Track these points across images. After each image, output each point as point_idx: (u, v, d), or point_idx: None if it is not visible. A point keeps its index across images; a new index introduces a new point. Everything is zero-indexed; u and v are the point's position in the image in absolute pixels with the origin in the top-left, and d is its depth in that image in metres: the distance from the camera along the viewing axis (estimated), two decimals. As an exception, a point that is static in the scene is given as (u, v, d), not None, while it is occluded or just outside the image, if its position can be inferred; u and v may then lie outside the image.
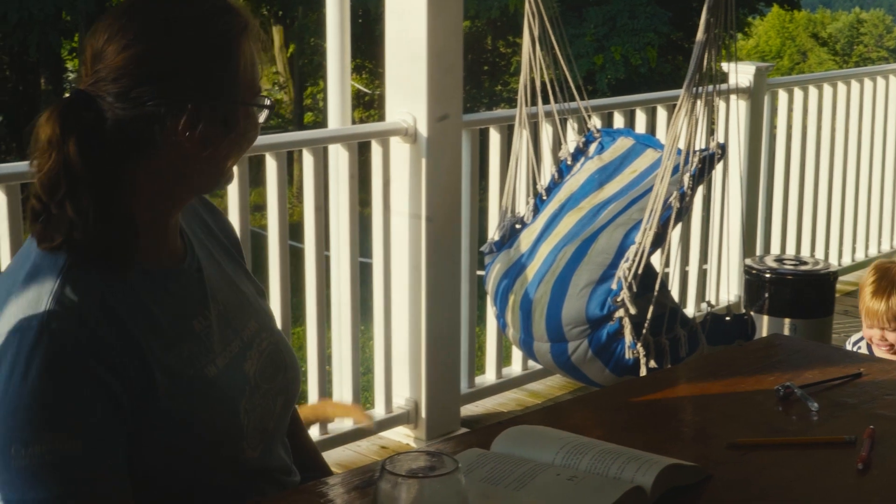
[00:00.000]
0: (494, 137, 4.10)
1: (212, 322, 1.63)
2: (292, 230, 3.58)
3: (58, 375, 1.44)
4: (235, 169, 1.65)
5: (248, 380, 1.65)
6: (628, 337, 3.16)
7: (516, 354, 4.23)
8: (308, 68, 20.46)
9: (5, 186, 2.94)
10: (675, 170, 3.20)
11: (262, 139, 3.55)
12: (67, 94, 1.57)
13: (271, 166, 3.44)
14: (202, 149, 1.56)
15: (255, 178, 3.47)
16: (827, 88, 5.37)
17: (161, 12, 1.57)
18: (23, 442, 1.42)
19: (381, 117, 3.68)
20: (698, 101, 3.16)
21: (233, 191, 3.35)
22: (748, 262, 4.12)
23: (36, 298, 1.47)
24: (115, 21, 1.55)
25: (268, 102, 1.63)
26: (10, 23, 14.87)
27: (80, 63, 1.61)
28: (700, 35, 3.15)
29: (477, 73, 20.01)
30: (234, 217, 3.34)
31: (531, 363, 4.17)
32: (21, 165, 3.10)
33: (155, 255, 1.60)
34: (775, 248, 5.30)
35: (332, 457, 3.57)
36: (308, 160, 3.52)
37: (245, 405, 1.62)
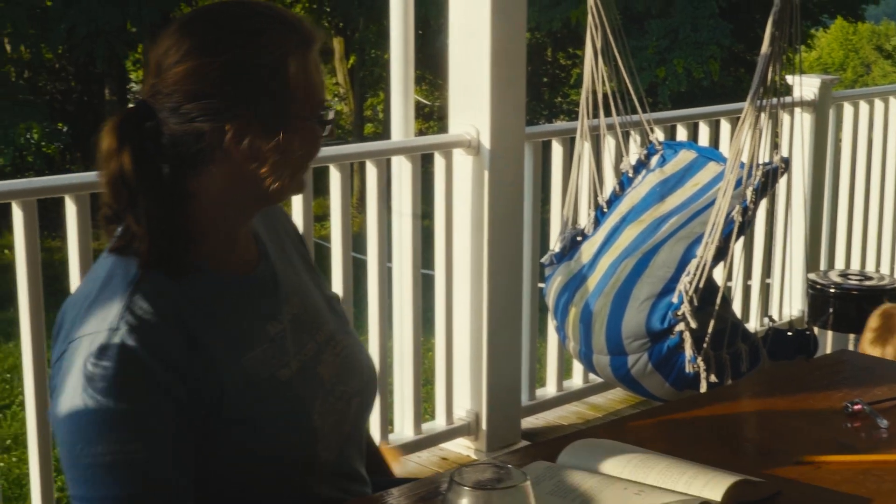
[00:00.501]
0: (556, 149, 4.09)
1: (286, 326, 1.65)
2: (355, 242, 3.60)
3: (123, 380, 1.47)
4: (307, 178, 1.68)
5: (323, 382, 1.66)
6: (689, 351, 3.15)
7: (577, 367, 4.22)
8: (368, 80, 20.58)
9: (75, 196, 2.98)
10: (738, 183, 3.18)
11: (326, 150, 3.58)
12: (131, 105, 1.61)
13: (335, 177, 3.47)
14: (253, 162, 1.58)
15: (316, 189, 3.49)
16: (893, 102, 5.31)
17: (214, 28, 1.59)
18: (87, 441, 1.46)
19: (441, 129, 3.71)
20: (762, 114, 3.14)
21: (296, 201, 3.38)
22: (812, 276, 4.09)
23: (108, 305, 1.51)
24: (174, 34, 1.58)
25: (329, 116, 1.64)
26: (79, 35, 15.10)
27: (144, 73, 1.64)
28: (765, 48, 3.13)
29: (537, 85, 20.00)
30: (298, 225, 3.37)
31: (592, 376, 4.16)
32: (90, 175, 3.15)
33: (226, 263, 1.63)
34: (839, 263, 5.24)
35: (392, 467, 3.58)
36: (371, 171, 3.54)
37: (319, 407, 1.64)
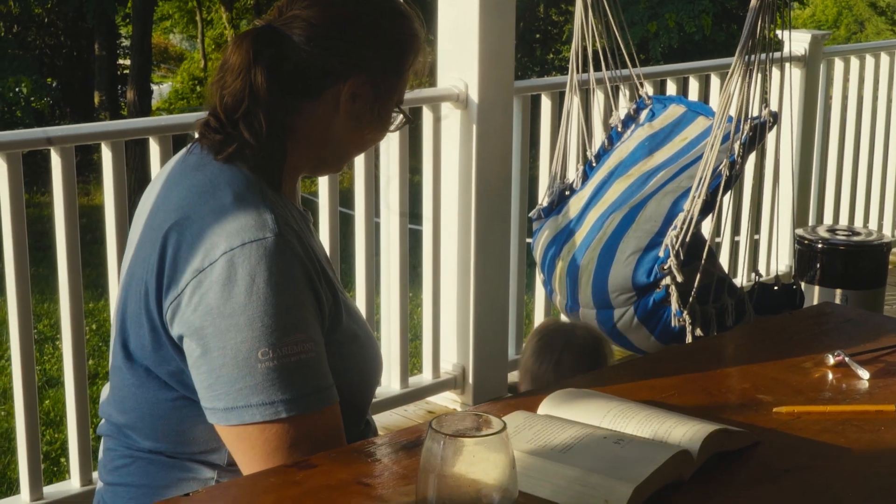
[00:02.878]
0: (546, 104, 4.08)
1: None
2: (342, 197, 3.59)
3: (292, 284, 1.54)
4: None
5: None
6: (675, 305, 3.15)
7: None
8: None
9: (60, 149, 2.97)
10: (726, 138, 3.17)
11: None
12: (256, 25, 1.69)
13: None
14: (347, 122, 1.70)
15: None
16: (884, 57, 5.30)
17: None
18: (270, 345, 1.52)
19: (432, 85, 3.68)
20: (751, 69, 3.13)
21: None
22: (800, 232, 4.09)
23: (255, 211, 1.57)
24: None
25: (401, 118, 1.78)
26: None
27: (275, 5, 1.73)
28: (754, 1, 3.12)
29: (529, 42, 19.91)
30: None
31: (579, 331, 4.17)
32: (77, 127, 3.14)
33: (292, 197, 1.75)
34: (828, 219, 5.25)
35: (379, 420, 3.60)
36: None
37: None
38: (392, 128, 1.78)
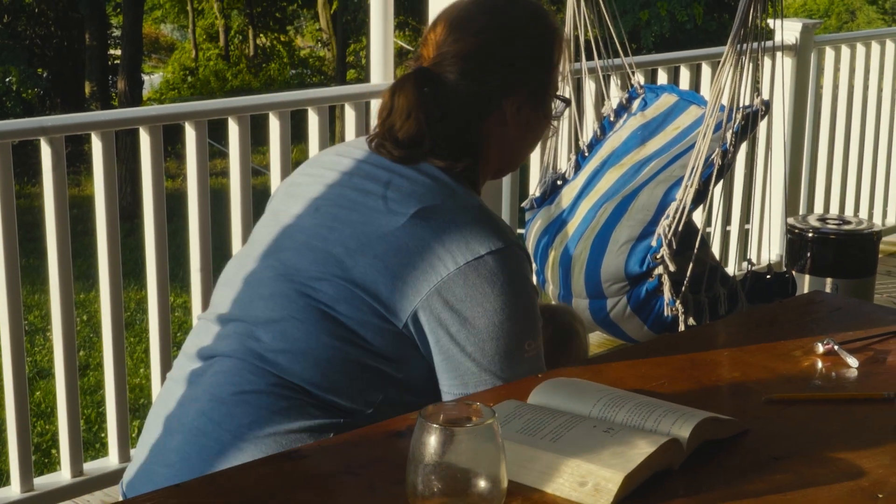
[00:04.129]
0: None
1: None
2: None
3: (532, 286, 1.75)
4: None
5: None
6: (667, 294, 3.15)
7: (556, 311, 4.22)
8: (351, 25, 20.43)
9: (49, 139, 2.96)
10: (718, 126, 3.17)
11: (304, 93, 3.58)
12: (410, 70, 1.84)
13: (313, 121, 3.45)
14: (522, 131, 1.84)
15: (296, 134, 3.47)
16: (875, 46, 5.30)
17: (499, 12, 1.85)
18: (533, 335, 1.72)
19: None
20: (743, 57, 3.13)
21: (275, 146, 3.36)
22: (791, 221, 4.09)
23: (503, 223, 1.77)
24: (459, 14, 1.83)
25: (567, 97, 1.94)
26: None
27: (421, 47, 1.87)
28: (745, -10, 3.12)
29: (520, 31, 19.89)
30: (274, 173, 3.36)
31: (571, 320, 4.17)
32: (65, 118, 3.13)
33: None
34: (818, 208, 5.26)
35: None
36: (350, 115, 3.52)
37: None
38: (555, 115, 1.89)
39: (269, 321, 1.72)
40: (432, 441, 1.20)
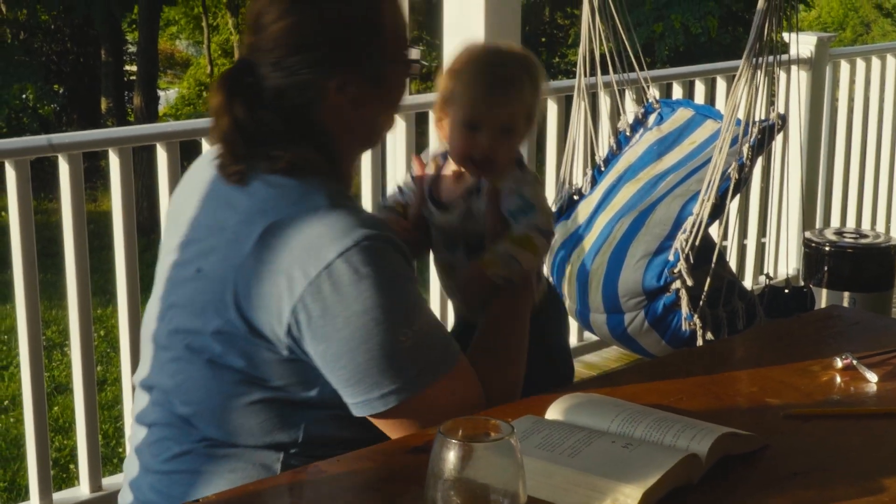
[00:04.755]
0: (552, 108, 4.08)
1: None
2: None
3: (401, 266, 1.64)
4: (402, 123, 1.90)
5: None
6: (685, 309, 3.15)
7: (573, 325, 4.22)
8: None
9: (68, 156, 2.98)
10: (735, 141, 3.17)
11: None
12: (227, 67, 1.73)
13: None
14: (357, 108, 1.71)
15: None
16: (890, 59, 5.29)
17: None
18: (408, 325, 1.61)
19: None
20: (758, 71, 3.13)
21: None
22: (808, 234, 4.08)
23: (355, 214, 1.63)
24: None
25: (415, 55, 1.78)
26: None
27: (244, 33, 1.76)
28: (761, 3, 3.12)
29: (534, 46, 19.90)
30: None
31: (587, 334, 4.17)
32: (84, 134, 3.15)
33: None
34: (835, 221, 5.24)
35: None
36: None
37: None
38: (410, 76, 1.81)
39: (176, 386, 1.71)
40: (451, 456, 1.20)
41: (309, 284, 1.57)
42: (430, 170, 2.02)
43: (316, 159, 1.69)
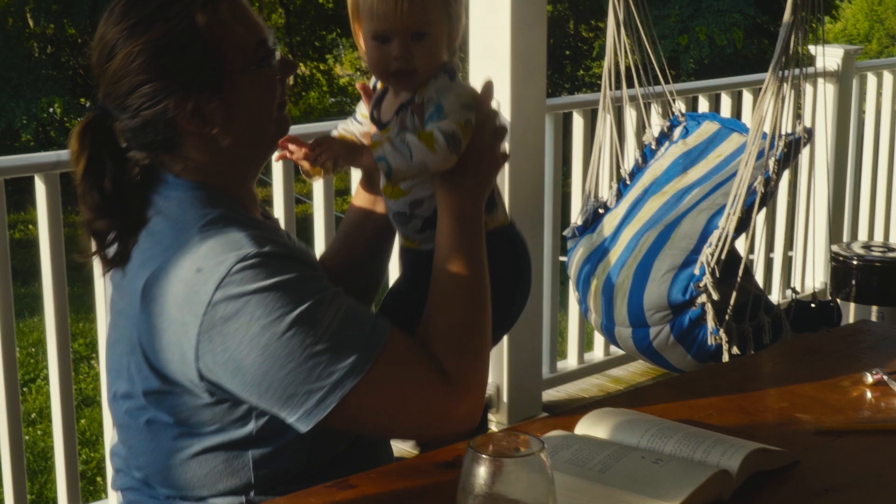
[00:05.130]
0: (578, 122, 4.08)
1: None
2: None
3: (290, 270, 1.54)
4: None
5: None
6: (711, 323, 3.14)
7: (598, 340, 4.22)
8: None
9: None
10: (761, 154, 3.16)
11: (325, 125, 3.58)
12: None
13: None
14: (212, 127, 1.62)
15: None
16: (918, 72, 5.26)
17: (126, 15, 1.61)
18: (312, 332, 1.52)
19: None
20: (784, 85, 3.12)
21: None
22: (835, 248, 4.07)
23: (226, 238, 1.55)
24: (98, 32, 1.63)
25: (269, 55, 1.65)
26: (103, 9, 15.08)
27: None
28: (787, 16, 3.11)
29: (559, 58, 19.89)
30: (318, 202, 3.38)
31: (613, 348, 4.16)
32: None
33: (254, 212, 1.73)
34: (863, 235, 5.22)
35: (414, 439, 3.60)
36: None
37: None
38: (275, 70, 1.66)
39: (128, 452, 1.71)
40: (482, 472, 1.20)
41: (201, 325, 1.52)
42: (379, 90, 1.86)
43: (187, 196, 1.62)
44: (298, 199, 3.76)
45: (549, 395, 4.06)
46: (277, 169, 3.29)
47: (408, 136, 1.70)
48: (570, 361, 4.19)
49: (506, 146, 1.83)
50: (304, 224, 3.42)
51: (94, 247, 1.67)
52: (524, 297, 1.95)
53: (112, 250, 1.65)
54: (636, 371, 4.29)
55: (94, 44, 1.63)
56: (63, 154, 3.20)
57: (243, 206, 1.68)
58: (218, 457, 1.61)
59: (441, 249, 1.70)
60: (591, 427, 1.54)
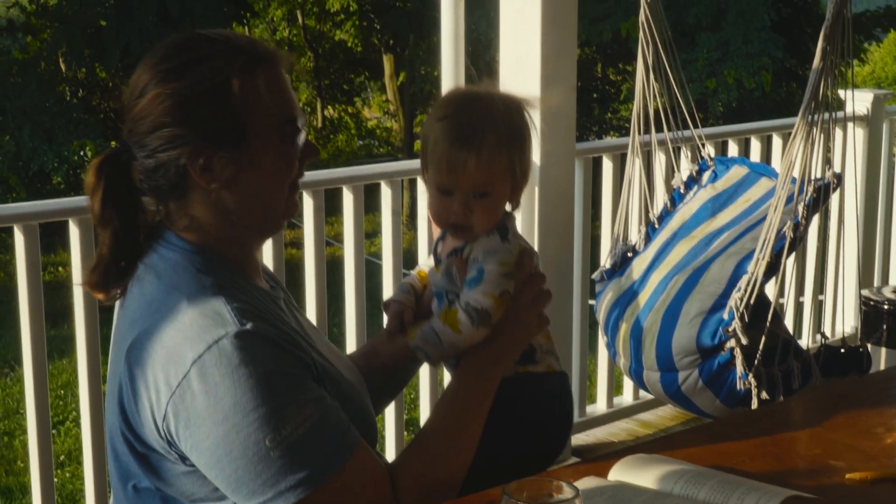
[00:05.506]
0: (607, 166, 4.09)
1: (312, 340, 1.74)
2: (404, 257, 3.61)
3: (269, 363, 1.53)
4: (309, 201, 1.79)
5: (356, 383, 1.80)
6: (740, 367, 3.12)
7: (627, 384, 4.20)
8: (419, 96, 20.63)
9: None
10: (790, 199, 3.16)
11: (378, 167, 3.61)
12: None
13: (385, 194, 3.49)
14: (221, 188, 1.62)
15: (367, 205, 3.51)
16: (947, 116, 5.25)
17: (166, 61, 1.63)
18: (274, 430, 1.50)
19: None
20: (814, 129, 3.12)
21: (347, 218, 3.40)
22: (865, 292, 4.04)
23: (213, 312, 1.54)
24: (137, 71, 1.65)
25: (296, 133, 1.65)
26: (134, 54, 15.28)
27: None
28: (816, 62, 3.12)
29: (587, 101, 19.96)
30: (348, 245, 3.40)
31: (642, 393, 4.15)
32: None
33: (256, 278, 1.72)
34: (894, 279, 5.19)
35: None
36: (422, 187, 3.56)
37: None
38: (298, 151, 1.67)
39: None
40: (516, 518, 1.20)
41: (171, 395, 1.52)
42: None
43: (183, 259, 1.63)
44: (328, 242, 3.78)
45: (578, 439, 4.04)
46: (308, 210, 3.31)
47: (434, 321, 1.76)
48: (600, 405, 4.18)
49: (545, 312, 1.86)
50: (333, 266, 3.44)
51: (108, 282, 1.69)
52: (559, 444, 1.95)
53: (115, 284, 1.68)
54: (665, 415, 4.27)
55: (129, 81, 1.66)
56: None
57: (242, 272, 1.68)
58: None
59: (447, 394, 1.75)
60: (625, 473, 1.53)
